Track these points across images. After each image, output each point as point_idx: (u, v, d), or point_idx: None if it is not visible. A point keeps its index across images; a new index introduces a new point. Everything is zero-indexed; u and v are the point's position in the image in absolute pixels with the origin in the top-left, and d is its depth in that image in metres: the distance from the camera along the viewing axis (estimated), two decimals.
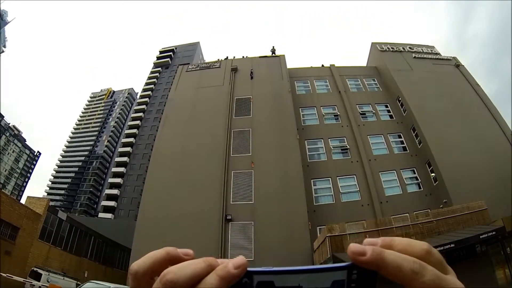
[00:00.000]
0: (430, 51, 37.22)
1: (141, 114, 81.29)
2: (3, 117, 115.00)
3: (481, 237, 15.59)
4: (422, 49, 37.14)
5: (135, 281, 0.44)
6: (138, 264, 0.44)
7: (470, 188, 22.47)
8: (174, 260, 0.44)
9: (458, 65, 35.11)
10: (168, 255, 0.45)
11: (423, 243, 0.44)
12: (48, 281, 19.36)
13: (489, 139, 26.77)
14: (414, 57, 35.40)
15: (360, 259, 0.41)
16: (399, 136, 29.75)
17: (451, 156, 25.26)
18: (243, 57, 38.21)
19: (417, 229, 17.84)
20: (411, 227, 17.98)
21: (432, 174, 26.06)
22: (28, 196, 26.05)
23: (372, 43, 38.28)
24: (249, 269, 0.43)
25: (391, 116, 31.48)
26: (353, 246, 0.42)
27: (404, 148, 28.98)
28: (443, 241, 15.60)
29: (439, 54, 37.11)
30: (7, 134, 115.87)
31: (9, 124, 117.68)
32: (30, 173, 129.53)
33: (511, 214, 16.65)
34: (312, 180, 26.38)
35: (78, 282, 21.27)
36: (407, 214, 20.90)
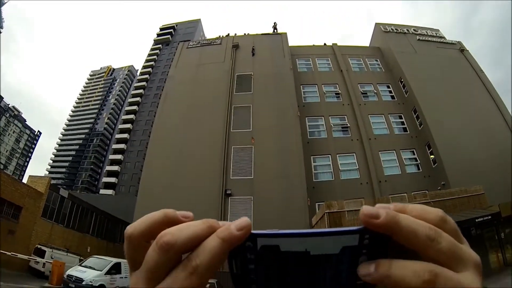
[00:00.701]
0: (435, 34, 36.83)
1: (141, 91, 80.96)
2: (3, 98, 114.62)
3: (476, 220, 15.85)
4: (426, 32, 36.72)
5: (130, 245, 0.40)
6: (133, 226, 0.41)
7: (468, 172, 22.72)
8: (172, 222, 0.40)
9: (462, 50, 34.82)
10: (166, 217, 0.41)
11: (437, 209, 0.41)
12: (52, 258, 19.63)
13: (490, 126, 26.86)
14: (418, 39, 35.04)
15: (374, 222, 0.37)
16: (400, 117, 29.78)
17: (451, 140, 25.37)
18: (244, 34, 37.73)
19: None
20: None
21: (432, 156, 26.22)
22: (29, 176, 26.01)
23: (376, 23, 37.89)
24: (253, 231, 0.39)
25: (392, 97, 31.42)
26: (366, 209, 0.38)
27: (405, 129, 29.06)
28: None
29: (443, 38, 36.73)
30: (7, 115, 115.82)
31: (8, 105, 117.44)
32: (31, 153, 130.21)
33: (509, 201, 16.87)
34: (312, 157, 26.57)
35: (81, 258, 21.56)
36: (405, 194, 21.19)
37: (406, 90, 30.44)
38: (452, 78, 30.15)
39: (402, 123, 29.44)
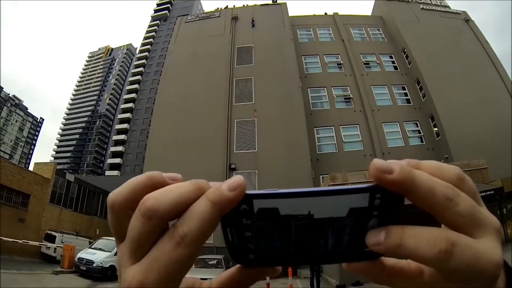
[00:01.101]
0: (439, 3, 36.02)
1: (141, 69, 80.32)
2: (2, 88, 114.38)
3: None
4: (430, 1, 35.80)
5: (113, 214, 0.35)
6: (115, 193, 0.35)
7: (471, 146, 22.61)
8: (159, 186, 0.34)
9: (467, 20, 34.04)
10: (150, 180, 0.34)
11: (455, 167, 0.35)
12: (62, 242, 19.77)
13: (495, 98, 26.51)
14: (422, 8, 34.29)
15: (387, 178, 0.31)
16: (403, 88, 29.48)
17: (454, 112, 25.13)
18: (243, 5, 36.98)
19: None
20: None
21: (435, 129, 26.07)
22: (35, 163, 26.21)
23: None
24: (248, 192, 0.33)
25: (395, 68, 31.02)
26: (377, 162, 0.32)
27: (408, 101, 28.81)
28: None
29: (448, 7, 35.90)
30: (8, 105, 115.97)
31: (9, 94, 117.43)
32: (35, 140, 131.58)
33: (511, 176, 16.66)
34: (315, 129, 26.52)
35: (91, 240, 21.87)
36: None
37: (409, 60, 30.01)
38: (456, 49, 29.62)
39: (405, 94, 29.18)
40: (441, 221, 0.33)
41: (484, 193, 15.70)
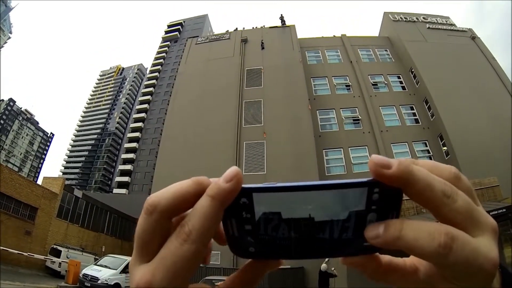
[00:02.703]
0: (445, 22, 36.13)
1: (151, 89, 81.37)
2: (15, 102, 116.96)
3: (491, 214, 15.19)
4: (436, 20, 36.05)
5: (150, 219, 0.34)
6: (158, 196, 0.34)
7: (482, 164, 22.22)
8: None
9: (474, 37, 34.12)
10: (199, 186, 0.35)
11: (450, 166, 0.37)
12: (67, 257, 19.79)
13: (504, 116, 26.12)
14: (428, 27, 34.46)
15: (385, 173, 0.32)
16: (412, 108, 29.37)
17: (464, 131, 24.92)
18: (253, 28, 37.63)
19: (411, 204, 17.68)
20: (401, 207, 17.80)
21: (444, 148, 25.83)
22: (44, 177, 26.47)
23: (384, 12, 37.32)
24: (246, 185, 0.34)
25: (403, 88, 31.03)
26: (375, 157, 0.33)
27: (417, 121, 28.67)
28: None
29: (454, 25, 36.02)
30: (20, 119, 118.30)
31: (21, 108, 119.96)
32: (45, 155, 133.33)
33: None
34: (324, 150, 26.42)
35: (96, 257, 21.85)
36: None
37: (417, 80, 30.02)
38: (464, 67, 29.58)
39: (414, 114, 29.05)
40: (439, 217, 0.33)
41: (496, 212, 15.31)
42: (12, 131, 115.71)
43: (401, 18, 35.34)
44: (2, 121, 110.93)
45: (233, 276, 0.40)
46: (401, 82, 31.34)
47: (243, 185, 0.34)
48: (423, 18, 35.74)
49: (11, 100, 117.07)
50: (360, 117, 28.34)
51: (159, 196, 0.34)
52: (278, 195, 0.34)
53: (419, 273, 0.37)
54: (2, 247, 16.69)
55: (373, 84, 30.74)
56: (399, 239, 0.32)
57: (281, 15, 38.17)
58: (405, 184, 0.32)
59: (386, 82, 31.09)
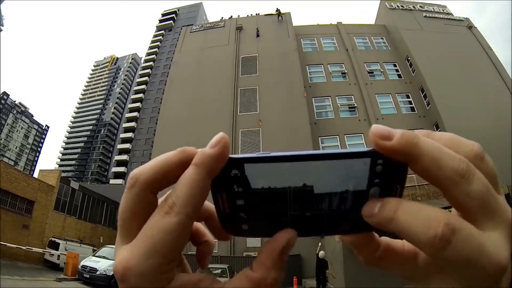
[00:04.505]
0: (442, 11, 36.05)
1: (146, 78, 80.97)
2: (9, 95, 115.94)
3: None
4: (433, 8, 35.98)
5: (131, 193, 0.31)
6: (140, 168, 0.31)
7: None
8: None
9: (470, 27, 34.10)
10: (183, 154, 0.31)
11: (474, 143, 0.30)
12: (66, 250, 19.81)
13: (499, 105, 26.30)
14: (425, 16, 34.37)
15: (385, 145, 0.28)
16: (407, 96, 29.41)
17: (459, 120, 24.95)
18: (248, 15, 37.28)
19: (423, 191, 17.79)
20: (417, 188, 17.96)
21: None
22: (40, 170, 26.35)
23: (381, 0, 37.03)
24: (236, 155, 0.31)
25: (399, 76, 31.01)
26: (376, 128, 0.29)
27: (412, 109, 28.74)
28: (447, 204, 15.74)
29: (451, 14, 35.95)
30: (14, 112, 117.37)
31: (15, 101, 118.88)
32: (41, 147, 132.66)
33: None
34: (319, 138, 26.50)
35: (95, 248, 21.93)
36: (414, 175, 20.95)
37: (413, 68, 30.01)
38: (460, 56, 29.63)
39: (410, 102, 29.10)
40: (448, 199, 0.29)
41: None
42: (7, 125, 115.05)
43: (397, 6, 35.17)
44: None
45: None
46: (397, 70, 31.32)
47: (234, 155, 0.31)
48: (420, 6, 35.61)
49: (4, 93, 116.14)
50: (356, 105, 28.34)
51: (141, 168, 0.31)
52: (273, 166, 0.30)
53: (417, 259, 0.33)
54: (0, 242, 16.70)
55: (369, 72, 30.69)
56: (392, 221, 0.28)
57: (278, 9, 37.08)
58: (409, 158, 0.28)
59: (382, 70, 31.05)
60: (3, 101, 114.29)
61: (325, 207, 0.31)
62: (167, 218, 0.28)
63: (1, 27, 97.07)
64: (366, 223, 0.31)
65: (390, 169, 0.30)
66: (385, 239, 0.35)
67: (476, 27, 34.29)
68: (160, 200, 0.31)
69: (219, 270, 15.69)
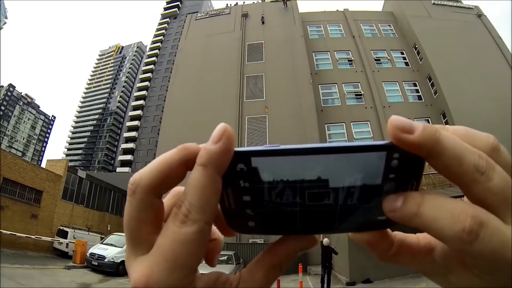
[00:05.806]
0: None
1: (151, 66, 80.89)
2: (15, 87, 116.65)
3: None
4: None
5: (133, 201, 0.29)
6: (140, 172, 0.29)
7: None
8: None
9: (480, 15, 33.42)
10: (184, 151, 0.29)
11: (488, 135, 0.29)
12: (74, 238, 20.12)
13: (508, 94, 25.86)
14: (433, 3, 33.72)
15: (406, 138, 0.26)
16: (415, 85, 29.08)
17: (467, 109, 24.68)
18: (253, 2, 36.89)
19: (428, 180, 17.65)
20: (422, 177, 17.85)
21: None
22: (47, 160, 26.50)
23: None
24: (243, 149, 0.29)
25: (406, 64, 30.61)
26: (395, 119, 0.27)
27: (419, 97, 28.44)
28: (454, 193, 15.53)
29: (460, 1, 35.29)
30: (21, 103, 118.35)
31: (21, 93, 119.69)
32: (47, 138, 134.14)
33: None
34: (326, 125, 26.41)
35: (102, 236, 22.24)
36: None
37: (420, 57, 29.60)
38: (469, 44, 29.14)
39: (417, 91, 28.78)
40: (468, 196, 0.27)
41: None
42: (14, 116, 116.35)
43: None
44: (3, 107, 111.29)
45: (258, 258, 0.33)
46: (404, 58, 30.93)
47: (240, 149, 0.29)
48: None
49: (10, 85, 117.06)
50: (362, 92, 28.12)
51: (141, 172, 0.28)
52: (281, 160, 0.28)
53: (434, 254, 0.32)
54: (10, 232, 17.00)
55: (375, 60, 30.35)
56: (416, 216, 0.27)
57: None
58: (430, 154, 0.27)
59: (389, 58, 30.67)
60: (9, 93, 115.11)
61: (337, 203, 0.29)
62: (184, 228, 0.27)
63: (5, 19, 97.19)
64: (379, 220, 0.30)
65: (406, 164, 0.28)
66: (399, 234, 0.33)
67: (485, 16, 33.61)
68: (165, 202, 0.30)
69: (225, 257, 15.89)
